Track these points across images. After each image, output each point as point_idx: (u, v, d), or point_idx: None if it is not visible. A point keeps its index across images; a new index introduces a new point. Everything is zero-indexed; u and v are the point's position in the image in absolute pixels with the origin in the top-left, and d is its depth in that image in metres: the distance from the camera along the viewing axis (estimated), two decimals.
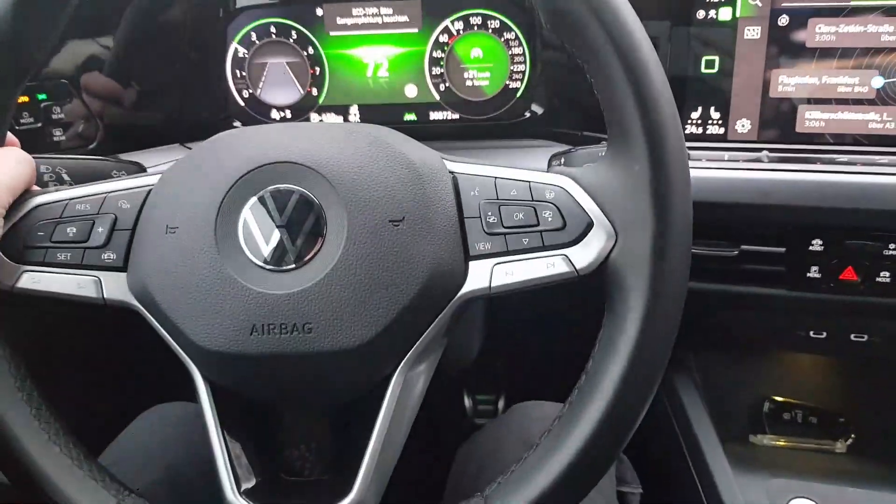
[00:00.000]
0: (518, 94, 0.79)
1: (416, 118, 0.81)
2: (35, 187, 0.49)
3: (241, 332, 0.41)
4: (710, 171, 0.66)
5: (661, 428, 0.83)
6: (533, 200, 0.44)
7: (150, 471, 0.63)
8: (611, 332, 0.42)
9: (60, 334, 0.84)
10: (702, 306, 0.69)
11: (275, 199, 0.43)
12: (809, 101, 0.69)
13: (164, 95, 0.82)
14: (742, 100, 0.71)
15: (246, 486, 0.43)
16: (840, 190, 0.63)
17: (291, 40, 0.79)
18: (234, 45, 0.80)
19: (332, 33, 0.79)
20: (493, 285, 0.44)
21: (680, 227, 0.41)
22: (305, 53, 0.80)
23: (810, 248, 0.67)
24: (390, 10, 0.77)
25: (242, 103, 0.82)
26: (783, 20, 0.68)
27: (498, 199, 0.45)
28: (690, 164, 0.43)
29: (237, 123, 0.83)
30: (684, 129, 0.73)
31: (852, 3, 0.66)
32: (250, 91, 0.82)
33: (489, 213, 0.44)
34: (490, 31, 0.77)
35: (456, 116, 0.81)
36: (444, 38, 0.78)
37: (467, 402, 1.18)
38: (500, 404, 1.17)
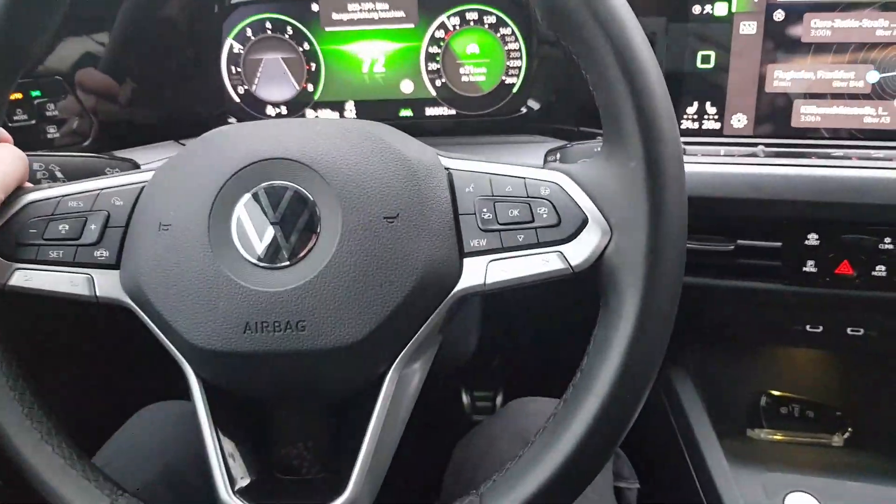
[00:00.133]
0: (514, 90, 0.79)
1: (412, 114, 0.81)
2: (28, 184, 0.49)
3: (234, 329, 0.41)
4: (705, 165, 0.66)
5: (658, 423, 0.83)
6: (528, 197, 0.44)
7: (145, 469, 0.63)
8: (605, 329, 0.42)
9: (56, 332, 0.84)
10: (698, 301, 0.69)
11: (269, 196, 0.43)
12: (805, 95, 0.69)
13: (159, 92, 0.82)
14: (738, 95, 0.71)
15: (240, 485, 0.43)
16: (836, 184, 0.63)
17: (287, 36, 0.79)
18: (229, 41, 0.80)
19: (327, 29, 0.78)
20: (487, 282, 0.44)
21: (675, 224, 0.41)
22: (301, 49, 0.79)
23: (806, 242, 0.66)
24: (386, 6, 0.77)
25: (238, 100, 0.82)
26: (779, 15, 0.68)
27: (493, 195, 0.44)
28: (686, 158, 0.43)
29: (232, 120, 0.83)
30: (680, 124, 0.73)
31: None
32: (246, 87, 0.81)
33: (484, 210, 0.44)
34: (486, 26, 0.77)
35: (452, 112, 0.80)
36: (440, 34, 0.78)
37: (465, 399, 1.18)
38: (499, 401, 1.17)
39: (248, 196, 0.43)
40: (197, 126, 0.47)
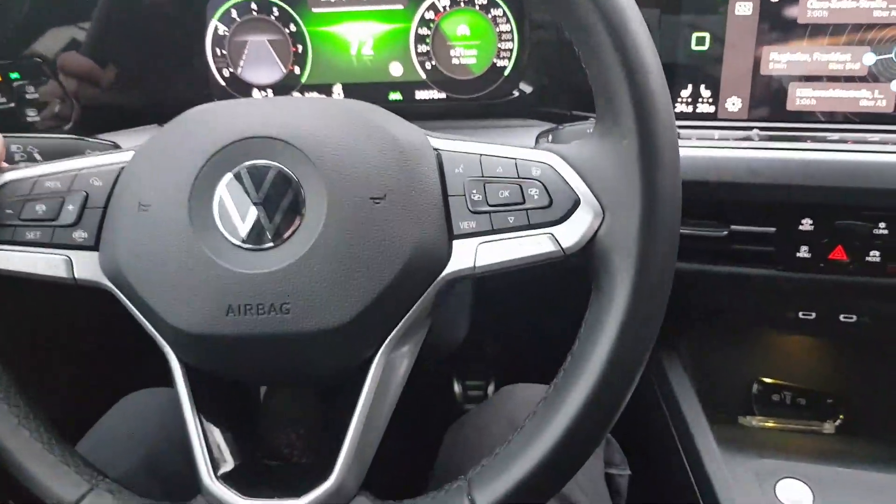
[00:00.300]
0: (506, 73, 0.77)
1: (401, 97, 0.80)
2: (4, 164, 0.48)
3: (216, 312, 0.40)
4: (699, 149, 0.65)
5: (649, 409, 0.83)
6: (519, 178, 0.43)
7: (128, 456, 0.62)
8: (597, 312, 0.41)
9: (37, 317, 0.83)
10: (691, 287, 0.69)
11: (251, 176, 0.42)
12: (801, 78, 0.68)
13: (143, 75, 0.80)
14: (733, 77, 0.70)
15: (224, 470, 0.42)
16: (830, 168, 0.63)
17: (273, 17, 0.77)
18: (213, 23, 0.78)
19: (314, 10, 0.77)
20: (477, 265, 0.43)
21: (668, 206, 0.40)
22: (287, 31, 0.78)
23: (800, 227, 0.66)
24: None
25: (223, 83, 0.80)
26: None
27: (483, 176, 0.43)
28: (680, 142, 0.42)
29: None
30: (674, 107, 0.72)
31: None
32: (231, 70, 0.80)
33: (474, 191, 0.43)
34: (477, 7, 0.75)
35: (442, 96, 0.79)
36: (429, 15, 0.76)
37: (457, 388, 1.18)
38: (490, 390, 1.16)
39: (230, 175, 0.42)
40: (181, 110, 0.46)
